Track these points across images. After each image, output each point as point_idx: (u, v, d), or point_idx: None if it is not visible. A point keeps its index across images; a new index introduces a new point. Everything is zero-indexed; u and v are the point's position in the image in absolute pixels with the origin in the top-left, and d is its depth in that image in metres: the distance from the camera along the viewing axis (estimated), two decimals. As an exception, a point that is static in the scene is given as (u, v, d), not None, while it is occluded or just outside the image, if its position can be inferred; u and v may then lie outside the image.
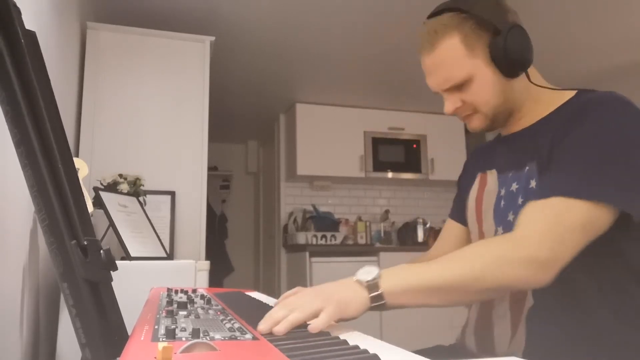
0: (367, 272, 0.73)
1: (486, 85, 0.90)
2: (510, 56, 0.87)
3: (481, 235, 1.01)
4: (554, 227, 0.74)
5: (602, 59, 3.31)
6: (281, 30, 2.81)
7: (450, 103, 0.95)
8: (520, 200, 0.89)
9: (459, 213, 1.15)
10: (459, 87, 0.92)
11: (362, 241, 4.09)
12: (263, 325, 0.63)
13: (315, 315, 0.66)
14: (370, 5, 2.56)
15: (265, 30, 2.81)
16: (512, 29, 0.88)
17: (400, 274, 0.74)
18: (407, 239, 4.16)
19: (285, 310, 0.67)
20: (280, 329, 0.62)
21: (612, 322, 0.80)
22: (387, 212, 4.35)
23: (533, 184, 0.86)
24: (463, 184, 1.14)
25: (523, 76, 0.91)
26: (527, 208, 0.79)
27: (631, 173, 0.77)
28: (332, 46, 3.05)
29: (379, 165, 4.07)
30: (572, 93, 0.92)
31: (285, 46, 3.03)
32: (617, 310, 0.80)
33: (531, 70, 0.93)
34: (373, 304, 0.70)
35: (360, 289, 0.71)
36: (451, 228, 1.17)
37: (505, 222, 0.92)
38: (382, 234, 4.25)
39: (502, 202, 0.94)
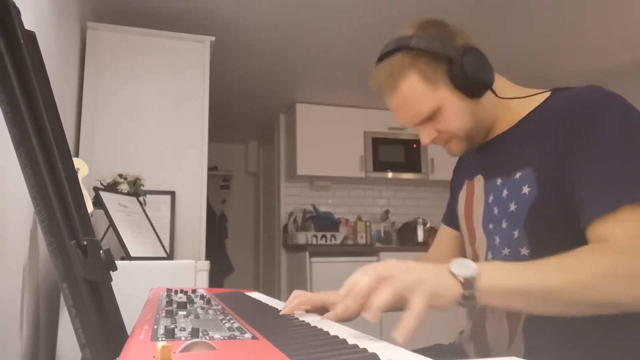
0: (464, 265, 0.66)
1: (455, 111, 0.91)
2: (471, 79, 0.88)
3: (473, 244, 1.00)
4: None
5: (602, 59, 3.31)
6: (281, 30, 2.82)
7: (426, 135, 0.95)
8: (512, 207, 0.87)
9: (451, 219, 1.15)
10: (430, 118, 0.93)
11: (362, 241, 4.09)
12: (348, 295, 0.61)
13: (403, 297, 0.61)
14: (370, 5, 2.56)
15: (265, 30, 2.82)
16: (465, 53, 0.88)
17: (499, 274, 0.67)
18: (407, 239, 4.16)
19: (372, 279, 0.62)
20: (372, 318, 0.59)
21: (617, 329, 0.79)
22: (387, 212, 4.35)
23: (526, 190, 0.85)
24: (454, 189, 1.14)
25: (490, 94, 0.91)
26: (602, 223, 0.74)
27: None
28: (332, 46, 3.05)
29: (379, 165, 4.07)
30: (547, 93, 0.92)
31: (285, 46, 3.03)
32: (626, 315, 0.79)
33: (497, 81, 0.93)
34: (463, 301, 0.65)
35: (454, 283, 0.64)
36: (444, 233, 1.17)
37: (500, 230, 0.91)
38: (382, 234, 4.25)
39: (495, 210, 0.92)
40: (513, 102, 0.94)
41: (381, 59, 0.96)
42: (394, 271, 0.63)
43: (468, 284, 0.64)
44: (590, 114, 0.80)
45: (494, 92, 0.91)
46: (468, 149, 0.97)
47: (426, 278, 0.63)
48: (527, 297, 0.68)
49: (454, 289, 0.64)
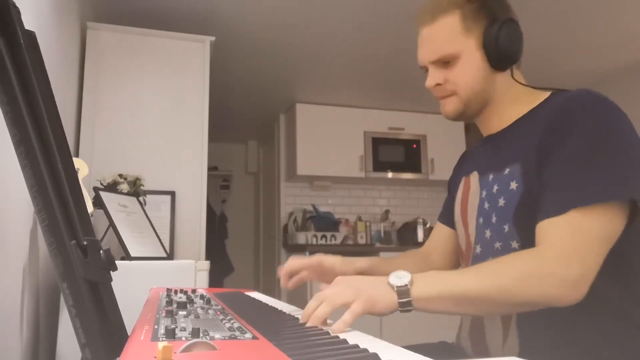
0: (399, 276, 0.75)
1: (472, 66, 0.93)
2: (501, 46, 0.91)
3: (467, 238, 1.02)
4: (579, 242, 0.75)
5: (602, 59, 3.31)
6: (281, 30, 2.82)
7: (433, 78, 0.97)
8: (501, 202, 0.89)
9: (447, 216, 1.17)
10: (446, 64, 0.95)
11: (362, 241, 4.09)
12: (302, 321, 0.71)
13: (343, 307, 0.71)
14: (370, 5, 2.56)
15: (265, 30, 2.82)
16: (509, 20, 0.92)
17: (430, 282, 0.76)
18: (407, 239, 4.16)
19: (317, 302, 0.72)
20: (312, 323, 0.69)
21: (608, 321, 0.80)
22: (387, 212, 4.35)
23: (513, 185, 0.87)
24: (451, 188, 1.16)
25: (507, 74, 0.95)
26: (546, 224, 0.78)
27: (632, 164, 0.78)
28: (333, 46, 3.05)
29: (379, 165, 4.07)
30: (546, 94, 0.94)
31: (285, 46, 3.03)
32: (615, 308, 0.80)
33: (517, 71, 0.96)
34: (401, 308, 0.73)
35: (390, 292, 0.73)
36: (439, 231, 1.20)
37: (490, 224, 0.92)
38: (382, 234, 4.25)
39: (486, 204, 0.95)
40: (518, 97, 0.96)
41: None
42: (337, 289, 0.74)
43: (402, 292, 0.73)
44: (571, 116, 0.83)
45: (512, 72, 0.94)
46: (461, 114, 0.98)
47: (365, 288, 0.74)
48: (456, 302, 0.75)
49: (391, 298, 0.73)
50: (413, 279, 0.74)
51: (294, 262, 1.06)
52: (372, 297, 0.72)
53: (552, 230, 0.78)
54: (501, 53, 0.91)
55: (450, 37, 0.93)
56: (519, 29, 0.93)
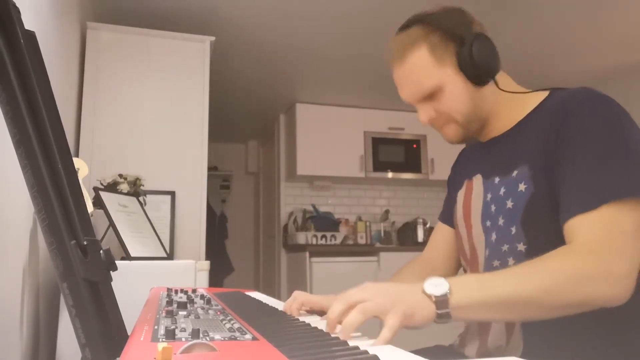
0: (436, 284, 0.68)
1: (456, 93, 0.92)
2: (477, 64, 0.89)
3: (470, 241, 1.01)
4: (617, 237, 0.73)
5: (602, 59, 3.31)
6: (281, 30, 2.81)
7: (424, 113, 0.97)
8: (509, 204, 0.88)
9: (448, 216, 1.15)
10: (431, 97, 0.95)
11: (362, 241, 4.09)
12: (328, 329, 0.62)
13: (376, 316, 0.64)
14: (370, 5, 2.56)
15: (265, 30, 2.82)
16: (477, 37, 0.90)
17: (470, 289, 0.70)
18: (407, 239, 4.16)
19: (344, 305, 0.64)
20: (343, 335, 0.60)
21: (612, 325, 0.79)
22: (387, 212, 4.35)
23: (522, 187, 0.87)
24: (452, 187, 1.15)
25: (492, 84, 0.93)
26: (578, 222, 0.76)
27: None
28: (333, 46, 3.05)
29: (379, 165, 4.07)
30: (545, 93, 0.94)
31: (285, 46, 3.03)
32: (619, 311, 0.80)
33: (501, 76, 0.95)
34: (438, 320, 0.67)
35: (428, 302, 0.67)
36: (441, 231, 1.18)
37: (497, 227, 0.92)
38: (382, 234, 4.25)
39: (492, 207, 0.94)
40: (513, 101, 0.95)
41: (399, 30, 0.99)
42: (369, 295, 0.66)
43: (441, 303, 0.66)
44: (577, 114, 0.82)
45: (496, 84, 0.93)
46: (463, 137, 0.98)
47: (400, 297, 0.66)
48: (498, 307, 0.70)
49: (429, 309, 0.66)
50: (452, 287, 0.68)
51: (298, 303, 0.91)
52: (410, 308, 0.65)
53: (586, 227, 0.75)
54: (479, 70, 0.90)
55: (425, 73, 0.92)
56: (488, 41, 0.92)
